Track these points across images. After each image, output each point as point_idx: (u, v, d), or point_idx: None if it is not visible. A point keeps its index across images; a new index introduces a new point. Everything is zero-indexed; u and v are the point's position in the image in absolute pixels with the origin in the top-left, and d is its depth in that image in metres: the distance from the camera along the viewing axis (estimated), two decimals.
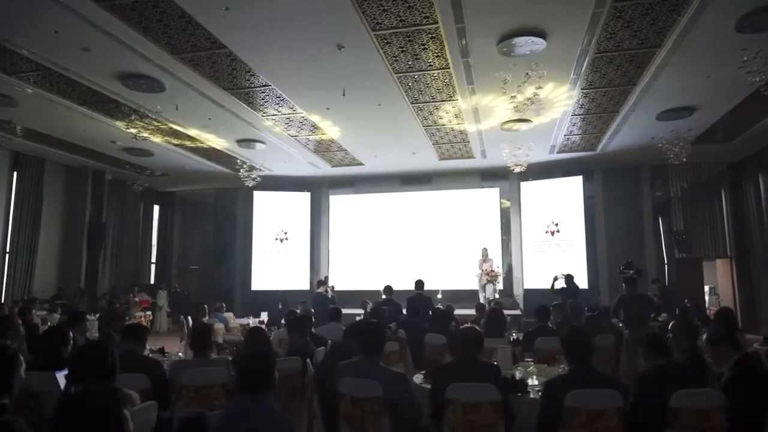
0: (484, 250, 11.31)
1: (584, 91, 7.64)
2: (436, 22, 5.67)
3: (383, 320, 7.37)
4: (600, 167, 12.32)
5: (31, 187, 11.24)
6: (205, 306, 6.80)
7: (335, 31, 5.85)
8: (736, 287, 11.49)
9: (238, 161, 10.91)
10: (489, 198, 13.21)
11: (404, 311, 7.67)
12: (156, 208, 15.21)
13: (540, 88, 6.71)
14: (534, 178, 12.44)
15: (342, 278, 13.35)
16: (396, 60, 6.59)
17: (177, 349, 7.77)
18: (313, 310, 7.70)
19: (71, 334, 3.02)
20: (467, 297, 11.69)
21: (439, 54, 6.44)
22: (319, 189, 14.24)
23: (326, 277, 8.80)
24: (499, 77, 6.44)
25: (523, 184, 12.72)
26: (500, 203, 13.14)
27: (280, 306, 8.15)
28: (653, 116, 8.68)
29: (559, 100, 7.90)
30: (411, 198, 13.72)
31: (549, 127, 9.36)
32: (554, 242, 12.04)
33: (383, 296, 11.76)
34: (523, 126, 9.16)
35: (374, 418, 2.56)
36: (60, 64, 6.69)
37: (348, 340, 3.30)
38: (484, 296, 10.69)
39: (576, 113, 8.62)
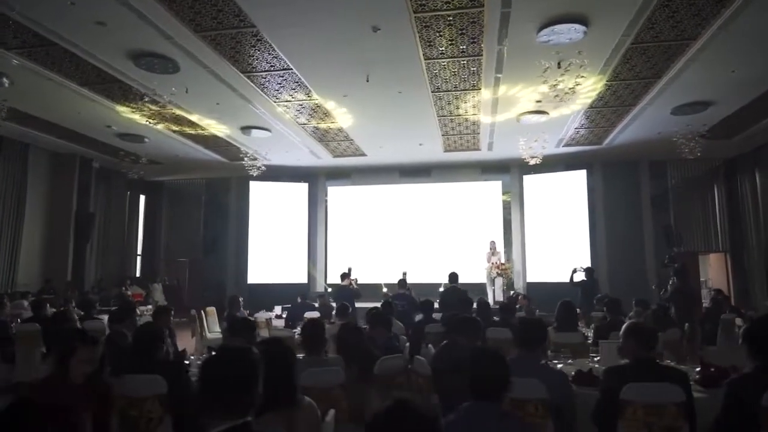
0: (492, 243, 11.24)
1: (608, 83, 7.59)
2: (482, 6, 5.48)
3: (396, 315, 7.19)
4: (600, 161, 12.39)
5: (15, 173, 10.53)
6: (240, 299, 6.44)
7: (374, 11, 5.59)
8: (731, 280, 11.78)
9: (242, 150, 10.49)
10: (491, 191, 13.15)
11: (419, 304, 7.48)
12: (142, 198, 14.57)
13: (582, 77, 6.61)
14: (535, 172, 12.42)
15: (341, 271, 13.11)
16: (430, 45, 6.38)
17: (191, 345, 7.41)
18: (334, 304, 7.41)
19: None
20: (470, 290, 11.60)
21: (475, 40, 6.26)
22: (316, 180, 13.92)
23: (350, 269, 8.52)
24: (540, 66, 6.30)
25: (526, 178, 12.71)
26: (502, 196, 13.10)
27: (299, 300, 7.84)
28: (668, 111, 8.73)
29: (583, 92, 7.82)
30: (410, 190, 13.54)
31: (563, 119, 9.31)
32: (556, 236, 12.07)
33: (385, 290, 11.68)
34: (533, 118, 9.09)
35: (536, 422, 2.35)
36: (69, 39, 6.20)
37: (458, 336, 3.08)
38: (493, 290, 10.62)
39: (594, 105, 8.58)
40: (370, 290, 10.75)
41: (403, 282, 7.98)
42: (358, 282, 8.70)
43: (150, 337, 2.74)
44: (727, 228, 11.95)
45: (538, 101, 8.29)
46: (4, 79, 7.38)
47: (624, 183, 12.46)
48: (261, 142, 10.54)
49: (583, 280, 8.34)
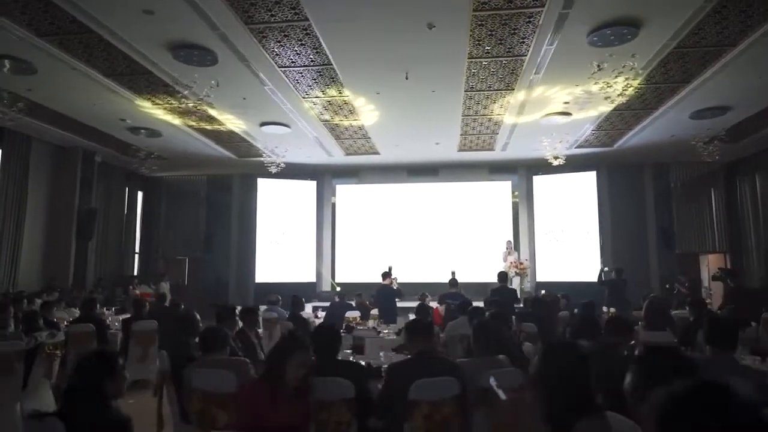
0: (509, 242, 11.33)
1: (640, 86, 7.72)
2: (542, 6, 5.50)
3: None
4: (606, 162, 12.62)
5: (17, 166, 10.03)
6: (303, 298, 6.26)
7: (434, 8, 5.55)
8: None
9: (258, 147, 10.26)
10: (500, 191, 13.25)
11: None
12: (140, 195, 14.11)
13: (635, 79, 6.70)
14: (544, 173, 12.59)
15: (348, 270, 13.03)
16: (478, 44, 6.37)
17: None
18: (368, 303, 7.32)
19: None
20: (480, 290, 11.67)
21: (524, 40, 6.28)
22: (323, 178, 13.76)
23: (390, 268, 8.42)
24: (591, 67, 6.36)
25: (536, 178, 12.86)
26: (512, 196, 13.23)
27: (337, 299, 7.70)
28: (687, 114, 8.94)
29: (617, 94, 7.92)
30: (418, 189, 13.52)
31: (582, 121, 9.44)
32: (564, 236, 12.26)
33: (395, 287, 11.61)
34: (555, 119, 9.20)
35: None
36: (109, 26, 5.94)
37: (611, 337, 3.05)
38: None
39: (618, 108, 8.71)
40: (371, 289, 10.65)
41: (454, 281, 7.93)
42: (387, 282, 8.56)
43: (332, 336, 2.62)
44: (727, 229, 12.35)
45: (566, 102, 8.40)
46: (6, 63, 6.96)
47: (629, 184, 12.73)
48: (275, 138, 10.32)
49: (611, 279, 8.48)
